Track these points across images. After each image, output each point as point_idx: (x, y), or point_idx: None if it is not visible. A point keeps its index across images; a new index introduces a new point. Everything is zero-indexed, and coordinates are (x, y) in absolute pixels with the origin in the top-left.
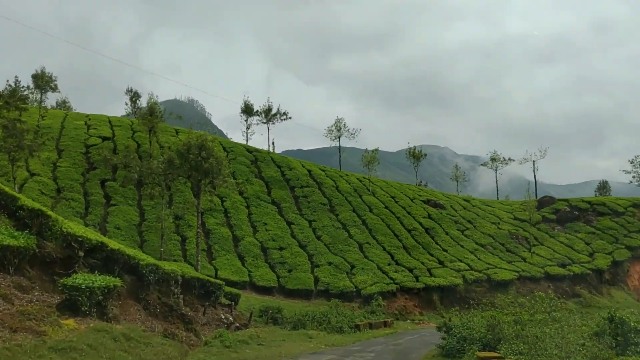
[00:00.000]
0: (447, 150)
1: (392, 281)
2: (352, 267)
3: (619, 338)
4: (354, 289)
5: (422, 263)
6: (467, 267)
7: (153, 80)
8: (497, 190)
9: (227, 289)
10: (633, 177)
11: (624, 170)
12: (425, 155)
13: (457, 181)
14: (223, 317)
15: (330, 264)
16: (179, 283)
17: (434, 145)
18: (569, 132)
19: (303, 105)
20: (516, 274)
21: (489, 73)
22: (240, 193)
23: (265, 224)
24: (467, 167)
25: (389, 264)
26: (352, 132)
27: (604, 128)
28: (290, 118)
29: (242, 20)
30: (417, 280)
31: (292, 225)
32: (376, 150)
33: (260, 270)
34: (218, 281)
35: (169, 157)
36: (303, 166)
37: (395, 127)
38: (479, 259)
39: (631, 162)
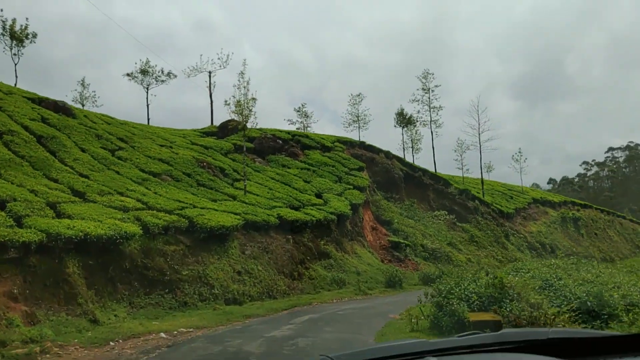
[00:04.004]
0: None
1: None
2: None
3: None
4: None
5: (34, 193)
6: (141, 205)
7: None
8: (149, 117)
9: None
10: (297, 128)
11: (288, 120)
12: (36, 36)
13: (83, 104)
14: None
15: None
16: None
17: None
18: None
19: None
20: (239, 218)
21: (91, 54)
22: None
23: None
24: None
25: None
26: None
27: None
28: None
29: None
30: (21, 226)
31: None
32: None
33: None
34: None
35: None
36: None
37: None
38: (157, 193)
39: (297, 110)
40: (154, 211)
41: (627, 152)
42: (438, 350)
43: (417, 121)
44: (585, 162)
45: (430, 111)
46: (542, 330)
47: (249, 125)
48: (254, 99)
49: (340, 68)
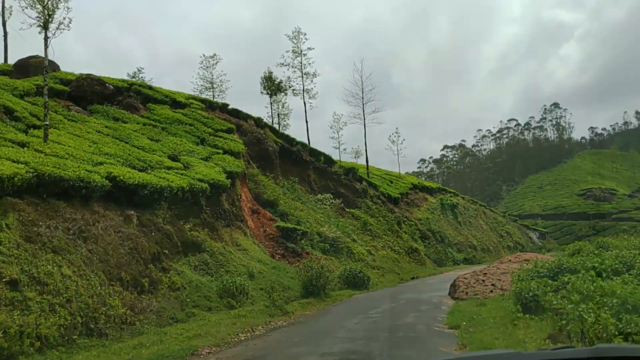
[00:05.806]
0: None
1: None
2: None
3: None
4: None
5: None
6: None
7: None
8: None
9: None
10: None
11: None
12: None
13: None
14: None
15: None
16: None
17: None
18: None
19: None
20: (25, 168)
21: None
22: None
23: None
24: None
25: None
26: None
27: None
28: None
29: None
30: None
31: None
32: None
33: None
34: None
35: None
36: None
37: None
38: None
39: (132, 76)
40: None
41: (459, 151)
42: None
43: (289, 88)
44: (422, 160)
45: (303, 78)
46: (638, 347)
47: (54, 25)
48: None
49: (174, 64)
